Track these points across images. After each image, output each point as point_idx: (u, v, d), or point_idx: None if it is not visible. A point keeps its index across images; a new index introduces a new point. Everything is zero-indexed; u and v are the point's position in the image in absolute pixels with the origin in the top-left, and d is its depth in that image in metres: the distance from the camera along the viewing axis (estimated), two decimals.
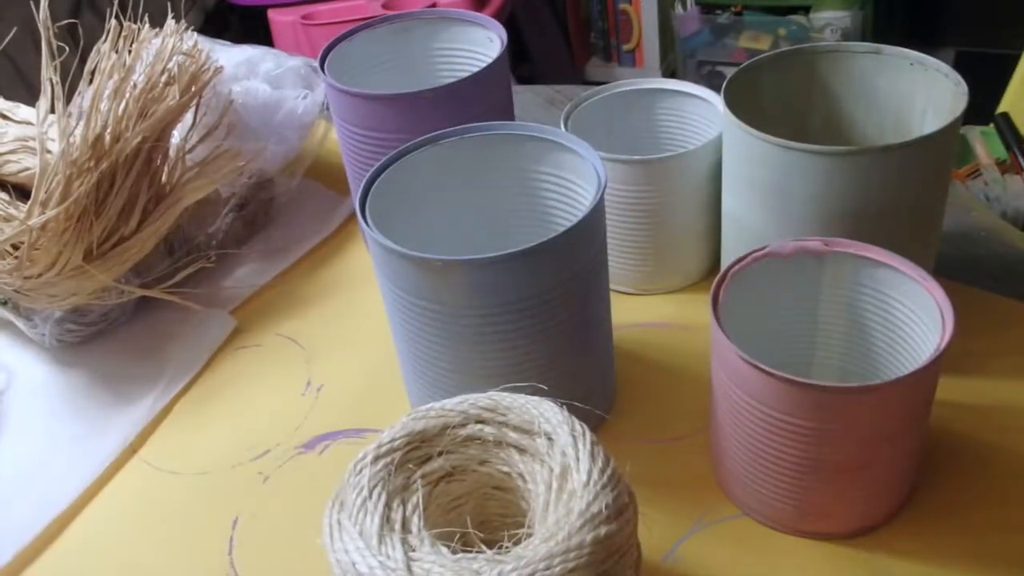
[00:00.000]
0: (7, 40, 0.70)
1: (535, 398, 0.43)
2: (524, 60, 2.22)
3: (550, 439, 0.41)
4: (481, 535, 0.41)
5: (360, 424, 0.60)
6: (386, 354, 0.59)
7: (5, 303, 0.68)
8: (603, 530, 0.37)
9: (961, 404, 0.55)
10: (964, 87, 0.54)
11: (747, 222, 0.57)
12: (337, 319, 0.70)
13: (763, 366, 0.44)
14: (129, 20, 0.66)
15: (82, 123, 0.61)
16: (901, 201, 0.52)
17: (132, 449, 0.61)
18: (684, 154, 0.61)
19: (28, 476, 0.60)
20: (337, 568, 0.38)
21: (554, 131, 0.56)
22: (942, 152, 0.53)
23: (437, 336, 0.50)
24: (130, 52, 0.65)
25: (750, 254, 0.50)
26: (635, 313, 0.66)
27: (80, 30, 0.70)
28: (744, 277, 0.50)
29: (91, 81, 0.64)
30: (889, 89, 0.59)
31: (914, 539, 0.49)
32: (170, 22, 0.68)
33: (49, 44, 0.62)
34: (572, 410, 0.54)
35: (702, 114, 0.68)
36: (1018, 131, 1.29)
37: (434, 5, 1.80)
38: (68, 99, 0.63)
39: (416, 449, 0.42)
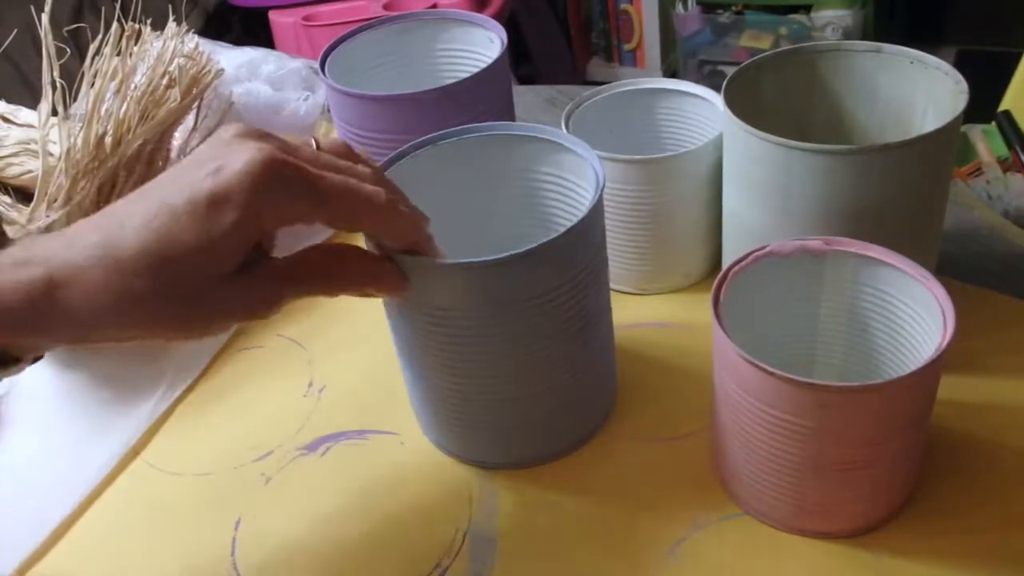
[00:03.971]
0: (8, 42, 0.71)
1: None
2: (525, 60, 2.22)
3: None
4: None
5: (362, 426, 0.60)
6: (388, 355, 0.59)
7: None
8: None
9: (963, 403, 0.55)
10: (964, 85, 0.54)
11: (748, 221, 0.57)
12: (339, 321, 0.70)
13: (764, 365, 0.44)
14: (130, 22, 0.66)
15: (84, 126, 0.61)
16: (902, 200, 0.52)
17: (134, 451, 0.61)
18: (685, 154, 0.61)
19: (30, 479, 0.60)
20: None
21: (554, 131, 0.56)
22: (943, 151, 0.53)
23: (435, 339, 0.50)
24: (131, 55, 0.65)
25: (751, 253, 0.50)
26: (635, 313, 0.66)
27: (80, 33, 0.70)
28: (745, 277, 0.50)
29: (92, 84, 0.64)
30: (890, 88, 0.59)
31: (916, 538, 0.49)
32: (171, 24, 0.68)
33: (50, 47, 0.62)
34: (573, 411, 0.55)
35: (703, 114, 0.68)
36: (1020, 129, 1.29)
37: (435, 6, 1.80)
38: (70, 102, 0.63)
39: None
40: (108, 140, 0.61)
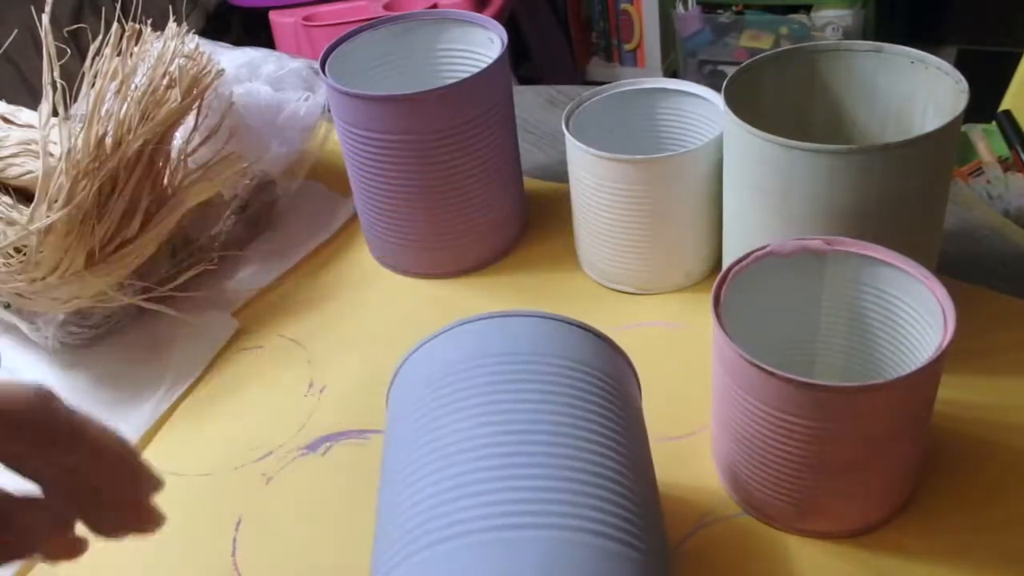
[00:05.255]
0: (8, 43, 0.71)
1: None
2: (525, 60, 2.22)
3: None
4: None
5: (362, 425, 0.60)
6: (388, 355, 0.59)
7: (8, 306, 0.68)
8: None
9: (964, 402, 0.55)
10: (965, 85, 0.54)
11: (748, 221, 0.57)
12: (339, 320, 0.70)
13: (765, 366, 0.44)
14: (131, 23, 0.66)
15: (84, 127, 0.61)
16: (902, 199, 0.52)
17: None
18: (685, 154, 0.61)
19: None
20: None
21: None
22: (943, 150, 0.53)
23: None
24: (132, 55, 0.65)
25: (751, 253, 0.50)
26: (635, 313, 0.66)
27: (81, 33, 0.70)
28: (745, 276, 0.50)
29: (93, 84, 0.64)
30: (890, 87, 0.59)
31: (916, 538, 0.49)
32: (171, 25, 0.68)
33: (50, 48, 0.62)
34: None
35: (703, 113, 0.68)
36: (1020, 129, 1.29)
37: (435, 6, 1.80)
38: (71, 102, 0.63)
39: None
40: (108, 141, 0.61)
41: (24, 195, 0.68)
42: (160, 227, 0.65)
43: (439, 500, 0.38)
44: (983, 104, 0.91)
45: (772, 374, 0.43)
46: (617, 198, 0.63)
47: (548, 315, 0.46)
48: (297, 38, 1.89)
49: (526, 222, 0.75)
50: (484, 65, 0.66)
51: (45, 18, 0.62)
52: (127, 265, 0.64)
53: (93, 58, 0.65)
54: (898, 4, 2.28)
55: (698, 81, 0.69)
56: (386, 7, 1.82)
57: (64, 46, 0.63)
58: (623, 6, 2.37)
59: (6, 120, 0.73)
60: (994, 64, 1.49)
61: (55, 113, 0.63)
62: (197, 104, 0.68)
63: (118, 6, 0.67)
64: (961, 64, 0.54)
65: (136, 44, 0.66)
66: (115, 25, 0.65)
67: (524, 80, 2.09)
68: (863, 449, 0.45)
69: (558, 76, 2.17)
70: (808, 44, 0.60)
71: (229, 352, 0.68)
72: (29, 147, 0.68)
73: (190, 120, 0.69)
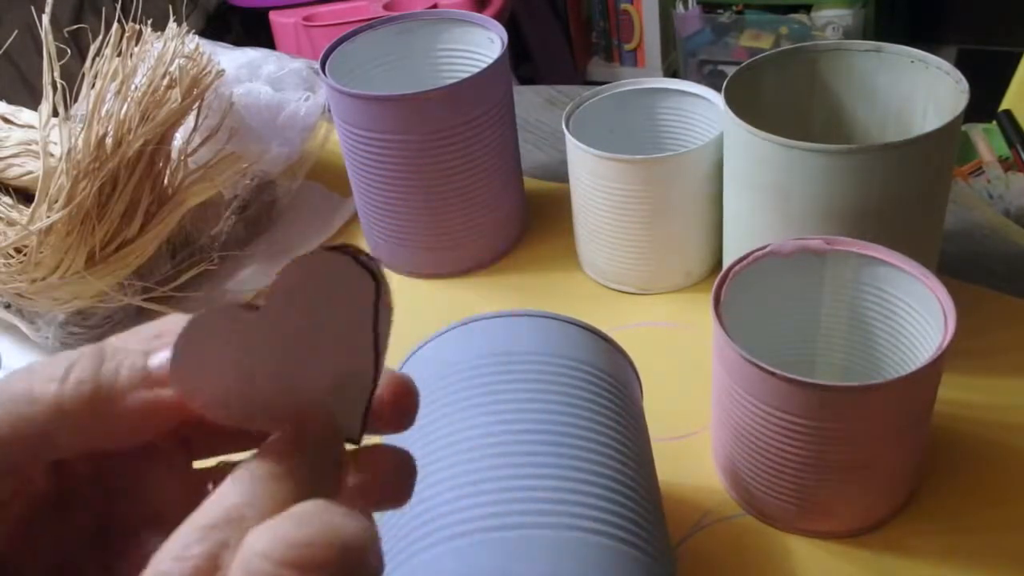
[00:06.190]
0: (8, 43, 0.71)
1: None
2: (525, 60, 2.22)
3: None
4: None
5: None
6: (388, 355, 0.59)
7: (8, 306, 0.68)
8: None
9: (964, 402, 0.55)
10: (965, 85, 0.54)
11: (748, 221, 0.57)
12: None
13: (765, 365, 0.44)
14: (131, 23, 0.66)
15: (84, 127, 0.61)
16: (903, 199, 0.52)
17: None
18: (685, 153, 0.61)
19: None
20: None
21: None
22: (943, 150, 0.53)
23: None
24: (132, 55, 0.65)
25: (751, 253, 0.50)
26: (636, 313, 0.66)
27: (81, 33, 0.70)
28: (746, 276, 0.50)
29: (93, 85, 0.64)
30: (890, 87, 0.59)
31: (917, 537, 0.49)
32: (171, 25, 0.68)
33: (50, 48, 0.62)
34: None
35: (703, 113, 0.68)
36: (1021, 128, 1.29)
37: (435, 6, 1.80)
38: (71, 102, 0.63)
39: None
40: (109, 141, 0.61)
41: (24, 195, 0.68)
42: (160, 227, 0.65)
43: (443, 499, 0.38)
44: (983, 104, 0.91)
45: (772, 374, 0.43)
46: (617, 198, 0.63)
47: (550, 315, 0.46)
48: (297, 38, 1.89)
49: (526, 222, 0.75)
50: (484, 65, 0.66)
51: (45, 18, 0.62)
52: (127, 265, 0.64)
53: (93, 58, 0.65)
54: (898, 4, 2.29)
55: (698, 81, 0.69)
56: (386, 7, 1.82)
57: (64, 46, 0.63)
58: (623, 6, 2.37)
59: (6, 120, 0.73)
60: (994, 64, 1.49)
61: (55, 113, 0.63)
62: (197, 104, 0.68)
63: (118, 6, 0.67)
64: (961, 64, 0.54)
65: (136, 44, 0.66)
66: (115, 25, 0.65)
67: (524, 80, 2.09)
68: (863, 449, 0.45)
69: (558, 76, 2.17)
70: (808, 44, 0.60)
71: None
72: (29, 147, 0.68)
73: (190, 120, 0.69)
